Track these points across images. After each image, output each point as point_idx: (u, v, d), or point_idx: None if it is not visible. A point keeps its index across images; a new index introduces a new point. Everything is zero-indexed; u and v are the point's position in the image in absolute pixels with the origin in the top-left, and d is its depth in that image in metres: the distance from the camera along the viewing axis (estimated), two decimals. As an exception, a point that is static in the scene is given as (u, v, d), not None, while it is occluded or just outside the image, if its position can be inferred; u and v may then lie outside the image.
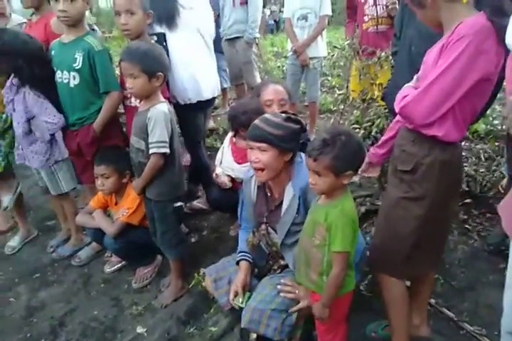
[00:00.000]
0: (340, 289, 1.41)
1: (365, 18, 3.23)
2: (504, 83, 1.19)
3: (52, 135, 2.22)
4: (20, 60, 2.06)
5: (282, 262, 1.74)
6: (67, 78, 2.14)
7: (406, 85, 1.44)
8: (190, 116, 2.58)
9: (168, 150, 1.80)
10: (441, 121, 1.29)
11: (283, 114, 1.63)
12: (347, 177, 1.34)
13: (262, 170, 1.57)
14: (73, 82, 2.14)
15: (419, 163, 1.36)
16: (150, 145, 1.79)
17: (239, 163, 2.19)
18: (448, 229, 1.64)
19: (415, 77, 1.44)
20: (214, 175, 2.26)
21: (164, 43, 2.32)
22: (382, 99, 2.44)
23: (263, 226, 1.73)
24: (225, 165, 2.25)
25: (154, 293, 2.16)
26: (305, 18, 3.58)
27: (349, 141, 1.32)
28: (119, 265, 2.36)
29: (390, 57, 2.61)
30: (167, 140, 1.79)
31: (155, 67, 1.74)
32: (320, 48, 3.72)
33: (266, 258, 1.78)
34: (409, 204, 1.41)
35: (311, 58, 3.67)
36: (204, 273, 1.86)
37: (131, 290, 2.20)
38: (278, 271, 1.75)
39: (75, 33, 2.14)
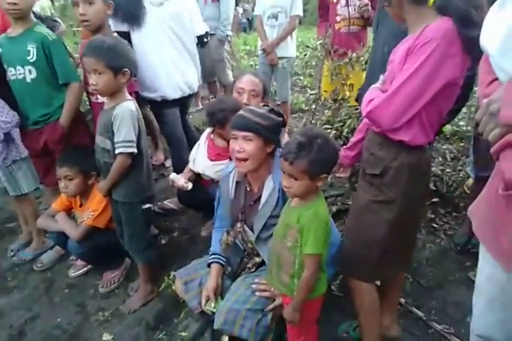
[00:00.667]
0: (311, 292, 1.40)
1: (337, 18, 3.25)
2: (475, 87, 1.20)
3: (7, 134, 2.10)
4: None
5: (257, 259, 1.72)
6: (22, 73, 2.03)
7: (372, 86, 1.43)
8: (161, 113, 2.57)
9: (135, 150, 1.74)
10: (407, 126, 1.29)
11: (265, 106, 1.64)
12: (321, 180, 1.33)
13: (246, 160, 1.56)
14: (30, 77, 2.03)
15: (387, 167, 1.36)
16: (116, 145, 1.71)
17: (212, 160, 2.16)
18: (417, 231, 1.66)
19: (381, 77, 1.43)
20: (170, 182, 2.21)
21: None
22: (356, 99, 2.46)
23: (238, 224, 1.70)
24: (198, 161, 2.21)
25: (122, 297, 2.09)
26: (275, 17, 3.56)
27: (325, 145, 1.31)
28: (85, 269, 2.27)
29: (361, 58, 2.64)
30: (134, 139, 1.72)
31: (121, 63, 1.67)
32: (289, 48, 3.70)
33: (241, 256, 1.75)
34: (379, 207, 1.41)
35: (280, 58, 3.64)
36: (174, 275, 1.81)
37: (97, 295, 2.11)
38: (252, 269, 1.73)
39: (23, 26, 2.03)
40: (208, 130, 2.27)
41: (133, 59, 1.77)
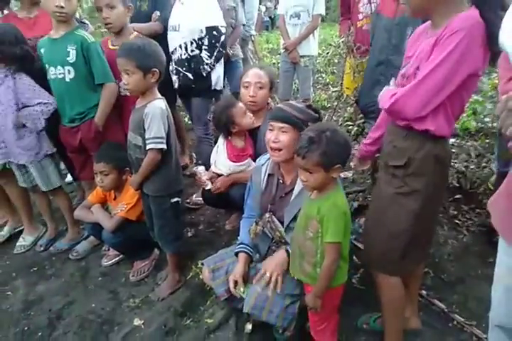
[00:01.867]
0: (332, 280, 1.45)
1: (360, 16, 3.24)
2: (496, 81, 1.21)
3: (47, 120, 2.20)
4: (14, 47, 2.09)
5: (285, 247, 1.74)
6: (61, 73, 2.15)
7: (386, 88, 1.45)
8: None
9: (165, 146, 1.82)
10: (433, 116, 1.31)
11: (303, 102, 1.73)
12: (336, 171, 1.38)
13: (280, 150, 1.64)
14: (69, 76, 2.15)
15: (411, 158, 1.38)
16: (147, 141, 1.80)
17: (233, 162, 2.23)
18: (437, 222, 1.67)
19: (392, 82, 1.45)
20: (198, 174, 2.29)
21: None
22: (356, 102, 2.50)
23: (267, 215, 1.77)
24: (220, 163, 2.28)
25: (151, 286, 2.19)
26: (298, 15, 3.61)
27: (334, 136, 1.36)
28: (117, 258, 2.39)
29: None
30: (164, 136, 1.81)
31: (150, 63, 1.75)
32: (311, 47, 3.75)
33: (269, 244, 1.80)
34: (403, 199, 1.42)
35: (302, 56, 3.70)
36: (202, 264, 1.89)
37: (128, 284, 2.23)
38: None
39: (65, 28, 2.16)
40: (222, 138, 2.32)
41: (162, 59, 1.84)
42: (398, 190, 1.43)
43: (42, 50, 2.20)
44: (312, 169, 1.36)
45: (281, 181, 1.76)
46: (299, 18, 3.61)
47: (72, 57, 2.12)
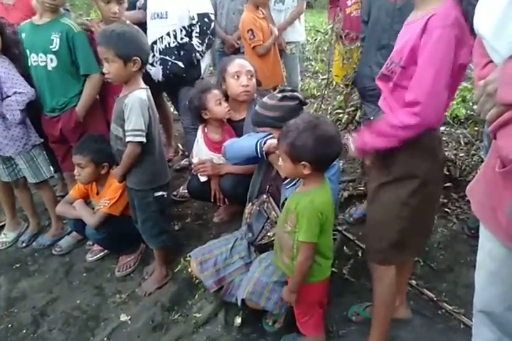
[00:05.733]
0: (308, 277, 1.45)
1: (348, 3, 3.19)
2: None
3: (24, 119, 2.13)
4: None
5: None
6: (44, 61, 2.08)
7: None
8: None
9: (143, 139, 1.74)
10: None
11: (278, 94, 1.65)
12: (304, 168, 1.33)
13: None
14: (51, 65, 2.08)
15: (397, 147, 1.34)
16: (126, 133, 1.73)
17: (215, 153, 2.19)
18: (434, 213, 1.65)
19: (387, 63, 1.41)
20: (193, 166, 2.24)
21: None
22: (353, 83, 2.47)
23: (264, 196, 1.77)
24: (203, 155, 2.25)
25: (138, 280, 2.15)
26: (282, 1, 3.52)
27: (308, 132, 1.30)
28: (102, 253, 2.33)
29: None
30: (143, 128, 1.73)
31: (130, 52, 1.67)
32: (298, 33, 3.65)
33: (263, 224, 1.77)
34: (391, 187, 1.41)
35: (288, 43, 3.59)
36: (190, 256, 1.86)
37: (114, 279, 2.18)
38: (272, 238, 1.73)
39: (51, 15, 2.08)
40: (201, 126, 2.30)
41: (144, 46, 1.76)
42: (385, 179, 1.41)
43: (23, 35, 2.11)
44: (282, 156, 1.36)
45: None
46: (283, 4, 3.52)
47: (55, 45, 2.04)
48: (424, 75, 1.21)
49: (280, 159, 1.40)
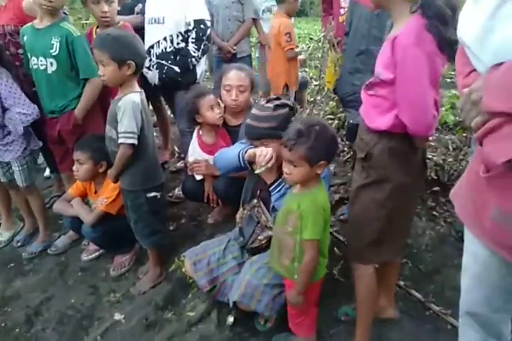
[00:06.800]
0: (313, 276, 1.47)
1: (341, 11, 3.26)
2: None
3: (26, 127, 2.17)
4: None
5: (270, 232, 1.74)
6: (43, 64, 2.11)
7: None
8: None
9: (135, 141, 1.78)
10: (384, 116, 1.35)
11: (269, 104, 1.66)
12: (320, 167, 1.39)
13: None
14: (51, 69, 2.11)
15: (370, 151, 1.42)
16: (118, 135, 1.77)
17: (209, 155, 2.23)
18: (411, 215, 1.70)
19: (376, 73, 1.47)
20: (190, 166, 2.28)
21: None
22: (334, 90, 2.54)
23: (255, 200, 1.79)
24: (197, 156, 2.29)
25: (132, 280, 2.18)
26: (269, 10, 3.65)
27: (323, 132, 1.37)
28: (97, 253, 2.35)
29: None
30: (135, 131, 1.77)
31: (125, 55, 1.70)
32: None
33: (254, 228, 1.80)
34: (369, 189, 1.46)
35: None
36: (184, 256, 1.89)
37: (109, 278, 2.20)
38: (263, 241, 1.77)
39: (51, 19, 2.11)
40: (196, 129, 2.34)
41: (139, 51, 1.79)
42: (364, 181, 1.47)
43: (25, 38, 2.15)
44: (297, 162, 1.37)
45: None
46: (271, 12, 3.65)
47: (55, 49, 2.07)
48: (403, 97, 1.27)
49: (286, 167, 1.40)
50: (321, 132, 1.36)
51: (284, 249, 1.50)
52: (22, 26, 2.22)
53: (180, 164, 3.23)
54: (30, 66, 2.16)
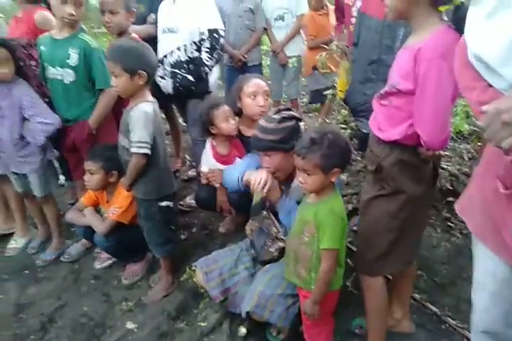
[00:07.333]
0: (330, 286, 1.46)
1: (353, 20, 3.27)
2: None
3: (47, 137, 2.20)
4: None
5: (280, 244, 1.74)
6: (60, 74, 2.15)
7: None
8: None
9: (148, 151, 1.80)
10: (399, 127, 1.34)
11: (276, 116, 1.68)
12: (334, 175, 1.39)
13: (274, 172, 1.67)
14: (68, 79, 2.15)
15: (381, 163, 1.41)
16: (131, 145, 1.79)
17: (223, 165, 2.23)
18: (424, 226, 1.68)
19: (389, 83, 1.44)
20: (204, 175, 2.28)
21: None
22: (344, 100, 2.51)
23: (264, 212, 1.79)
24: (210, 166, 2.28)
25: (144, 289, 2.18)
26: (282, 18, 3.66)
27: (336, 140, 1.38)
28: (110, 261, 2.37)
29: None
30: (148, 140, 1.79)
31: (136, 66, 1.73)
32: (298, 47, 3.80)
33: (264, 240, 1.80)
34: (380, 201, 1.45)
35: (289, 57, 3.74)
36: (195, 266, 1.89)
37: (121, 286, 2.21)
38: (275, 254, 1.76)
39: (70, 30, 2.16)
40: (209, 138, 2.33)
41: (150, 61, 1.81)
42: (376, 193, 1.46)
43: (42, 48, 2.20)
44: (311, 171, 1.37)
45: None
46: (283, 20, 3.67)
47: (73, 60, 2.12)
48: (423, 110, 1.26)
49: (301, 176, 1.40)
50: (334, 140, 1.37)
51: (301, 259, 1.49)
52: (34, 39, 2.28)
53: (191, 172, 3.24)
54: (47, 76, 2.20)
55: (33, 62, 2.29)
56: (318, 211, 1.41)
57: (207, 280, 1.79)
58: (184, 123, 3.47)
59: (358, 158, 3.19)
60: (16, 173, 2.32)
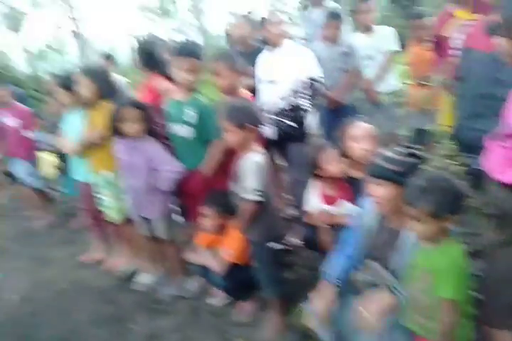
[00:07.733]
0: (454, 339, 1.39)
1: (450, 52, 3.19)
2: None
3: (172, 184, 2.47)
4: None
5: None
6: (182, 131, 2.46)
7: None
8: None
9: (259, 198, 1.97)
10: None
11: (403, 149, 1.66)
12: (447, 221, 1.36)
13: (378, 202, 1.65)
14: (188, 135, 2.45)
15: (505, 208, 1.35)
16: (243, 192, 1.98)
17: (330, 205, 2.26)
18: None
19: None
20: (309, 217, 2.34)
21: None
22: (455, 136, 2.39)
23: (372, 263, 1.73)
24: (318, 208, 2.31)
25: (256, 327, 2.26)
26: (370, 57, 3.65)
27: (448, 186, 1.36)
28: (225, 299, 2.50)
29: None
30: (258, 187, 1.96)
31: (246, 122, 1.97)
32: (388, 82, 3.74)
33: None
34: (509, 248, 1.38)
35: (380, 93, 3.68)
36: (303, 307, 1.91)
37: (236, 324, 2.32)
38: None
39: (188, 92, 2.48)
40: (312, 180, 2.35)
41: (257, 116, 2.07)
42: (502, 239, 1.40)
43: (167, 109, 2.56)
44: (423, 219, 1.36)
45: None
46: (372, 60, 3.65)
47: (192, 119, 2.42)
48: None
49: (413, 224, 1.40)
50: (446, 186, 1.35)
51: (419, 307, 1.45)
52: (158, 102, 2.63)
53: (292, 211, 3.32)
54: (170, 132, 2.54)
55: (159, 122, 2.66)
56: (436, 259, 1.38)
57: (316, 322, 1.80)
58: (283, 164, 3.61)
59: (468, 194, 2.96)
60: (145, 218, 2.62)
